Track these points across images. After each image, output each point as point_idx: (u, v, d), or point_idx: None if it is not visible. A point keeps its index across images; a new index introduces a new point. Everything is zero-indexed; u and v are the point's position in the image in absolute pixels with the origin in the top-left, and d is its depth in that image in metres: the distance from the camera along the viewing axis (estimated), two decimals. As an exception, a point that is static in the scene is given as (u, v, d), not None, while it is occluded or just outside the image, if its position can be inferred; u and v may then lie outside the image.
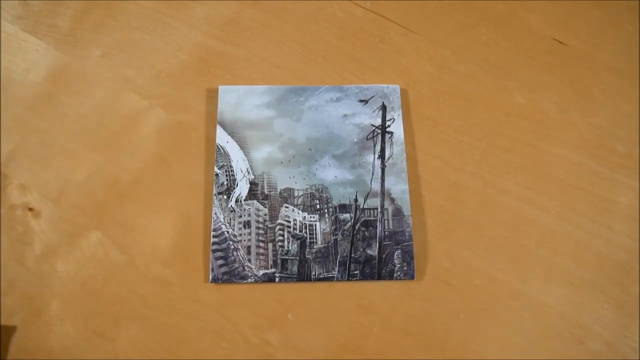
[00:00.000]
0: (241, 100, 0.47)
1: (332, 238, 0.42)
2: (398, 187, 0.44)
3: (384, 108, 0.47)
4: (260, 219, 0.43)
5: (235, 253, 0.42)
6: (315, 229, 0.43)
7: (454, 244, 0.43)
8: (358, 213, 0.43)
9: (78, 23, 0.52)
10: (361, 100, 0.47)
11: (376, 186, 0.44)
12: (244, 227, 0.43)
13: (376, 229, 0.43)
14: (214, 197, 0.43)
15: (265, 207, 0.43)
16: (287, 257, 0.42)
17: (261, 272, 0.41)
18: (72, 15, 0.52)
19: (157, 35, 0.51)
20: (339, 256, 0.42)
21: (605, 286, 0.41)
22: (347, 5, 0.53)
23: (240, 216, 0.43)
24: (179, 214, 0.44)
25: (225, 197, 0.43)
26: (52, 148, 0.46)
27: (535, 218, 0.44)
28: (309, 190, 0.44)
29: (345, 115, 0.47)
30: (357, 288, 0.41)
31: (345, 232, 0.43)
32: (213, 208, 0.43)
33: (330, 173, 0.44)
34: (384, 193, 0.44)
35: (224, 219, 0.43)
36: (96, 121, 0.47)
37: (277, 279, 0.41)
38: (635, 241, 0.43)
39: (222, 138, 0.46)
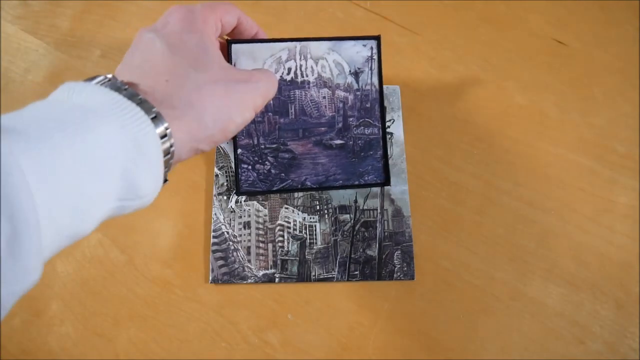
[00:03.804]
0: (241, 101, 0.47)
1: (332, 239, 0.42)
2: (398, 187, 0.44)
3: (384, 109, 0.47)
4: (260, 220, 0.43)
5: (235, 254, 0.42)
6: (315, 230, 0.43)
7: (454, 244, 0.43)
8: (358, 214, 0.43)
9: (78, 23, 0.52)
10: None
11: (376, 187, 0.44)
12: (244, 227, 0.43)
13: (376, 229, 0.43)
14: (214, 198, 0.43)
15: (265, 208, 0.43)
16: (287, 258, 0.42)
17: (261, 273, 0.41)
18: (72, 15, 0.52)
19: (157, 36, 0.51)
20: (338, 257, 0.42)
21: (605, 286, 0.41)
22: (347, 5, 0.53)
23: (240, 217, 0.43)
24: (179, 214, 0.44)
25: (225, 197, 0.43)
26: (52, 148, 0.46)
27: (535, 218, 0.44)
28: (308, 191, 0.44)
29: (345, 116, 0.47)
30: (357, 288, 0.41)
31: (345, 232, 0.43)
32: (213, 209, 0.43)
33: (330, 173, 0.45)
34: (383, 194, 0.44)
35: (223, 219, 0.43)
36: (96, 121, 0.47)
37: (277, 280, 0.41)
38: (635, 241, 0.43)
39: (222, 138, 0.46)
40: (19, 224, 0.19)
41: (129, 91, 0.25)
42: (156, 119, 0.25)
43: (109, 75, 0.27)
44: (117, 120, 0.24)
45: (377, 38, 0.39)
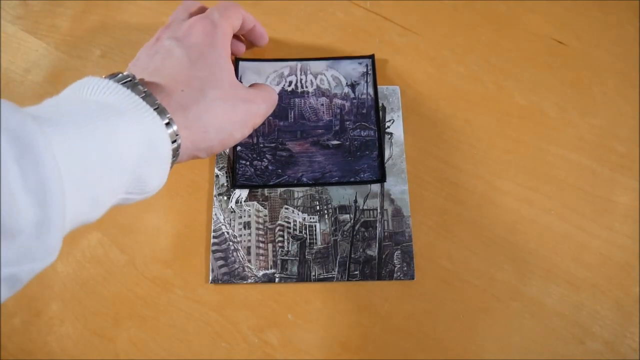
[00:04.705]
0: (241, 101, 0.47)
1: (332, 239, 0.42)
2: (398, 187, 0.44)
3: (383, 109, 0.47)
4: (260, 220, 0.43)
5: (235, 254, 0.42)
6: (315, 230, 0.43)
7: (454, 244, 0.43)
8: (358, 214, 0.43)
9: (78, 23, 0.52)
10: (361, 101, 0.48)
11: (376, 187, 0.44)
12: (244, 227, 0.43)
13: (376, 229, 0.43)
14: (214, 198, 0.43)
15: (265, 208, 0.43)
16: (287, 258, 0.42)
17: (261, 273, 0.41)
18: (72, 15, 0.52)
19: (157, 36, 0.51)
20: (338, 257, 0.42)
21: (605, 286, 0.41)
22: (347, 5, 0.53)
23: (240, 217, 0.43)
24: (179, 214, 0.44)
25: (225, 198, 0.43)
26: (52, 148, 0.46)
27: (535, 218, 0.44)
28: (308, 192, 0.44)
29: (345, 116, 0.47)
30: (357, 288, 0.41)
31: (345, 232, 0.43)
32: (213, 209, 0.43)
33: (330, 173, 0.45)
34: (383, 194, 0.44)
35: (224, 219, 0.43)
36: (96, 121, 0.47)
37: (277, 280, 0.41)
38: (635, 241, 0.43)
39: (222, 138, 0.46)
40: (49, 209, 0.21)
41: (147, 93, 0.28)
42: (168, 124, 0.28)
43: (128, 74, 0.29)
44: (137, 123, 0.26)
45: (372, 57, 0.44)
